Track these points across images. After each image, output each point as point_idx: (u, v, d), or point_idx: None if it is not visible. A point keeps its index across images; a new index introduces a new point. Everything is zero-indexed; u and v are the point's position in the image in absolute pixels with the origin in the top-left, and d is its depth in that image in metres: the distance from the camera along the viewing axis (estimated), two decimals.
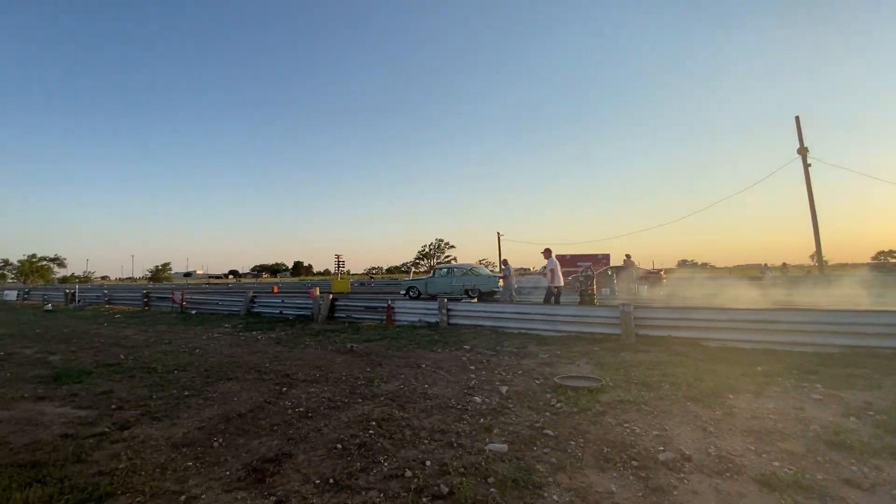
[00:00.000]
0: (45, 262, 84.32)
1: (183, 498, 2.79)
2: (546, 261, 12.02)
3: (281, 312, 13.91)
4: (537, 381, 5.33)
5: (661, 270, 24.34)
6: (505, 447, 3.38)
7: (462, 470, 3.03)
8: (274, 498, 2.76)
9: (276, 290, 29.86)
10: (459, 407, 4.44)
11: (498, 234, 49.71)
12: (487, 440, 3.57)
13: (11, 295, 29.86)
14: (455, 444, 3.50)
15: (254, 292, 16.58)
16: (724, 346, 6.74)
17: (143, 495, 2.84)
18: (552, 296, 11.53)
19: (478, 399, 4.67)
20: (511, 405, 4.45)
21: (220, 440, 3.76)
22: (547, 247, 12.17)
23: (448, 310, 10.08)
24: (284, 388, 5.34)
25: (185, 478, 3.08)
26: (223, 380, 5.85)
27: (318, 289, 15.95)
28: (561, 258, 28.64)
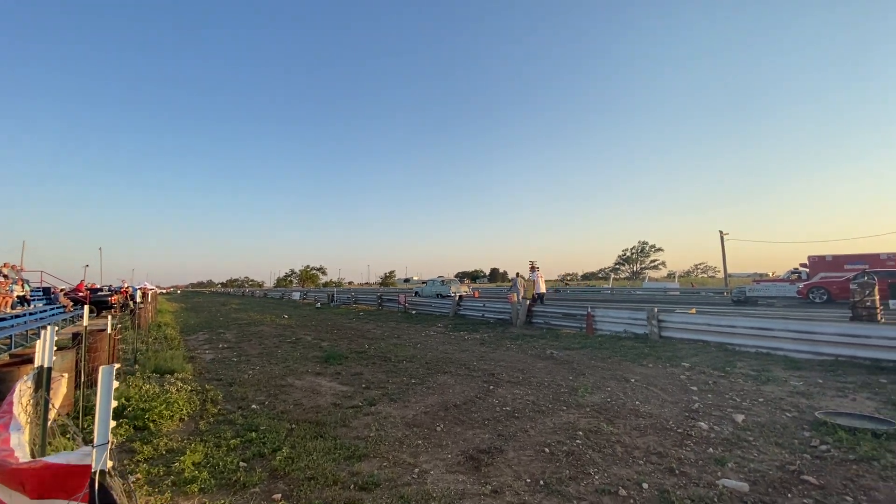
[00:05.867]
0: (314, 271, 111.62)
1: (416, 471, 3.28)
2: (531, 274, 15.07)
3: (483, 316, 14.92)
4: (788, 414, 4.28)
5: None
6: (745, 486, 2.84)
7: (688, 501, 2.68)
8: (490, 487, 2.98)
9: (477, 294, 32.18)
10: (680, 431, 3.93)
11: (720, 232, 42.03)
12: (720, 474, 3.06)
13: (296, 295, 40.73)
14: (677, 472, 3.12)
15: (459, 296, 18.28)
16: None
17: (387, 461, 3.46)
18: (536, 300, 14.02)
19: (704, 425, 4.05)
20: (750, 438, 3.70)
21: (442, 426, 4.27)
22: (531, 260, 15.50)
23: (659, 320, 9.04)
24: (491, 387, 5.71)
25: (416, 453, 3.62)
26: (440, 373, 6.63)
27: (515, 294, 16.49)
28: (818, 260, 22.41)
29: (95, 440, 0.96)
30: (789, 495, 2.75)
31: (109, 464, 0.98)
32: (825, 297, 17.86)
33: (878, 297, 9.20)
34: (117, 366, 0.99)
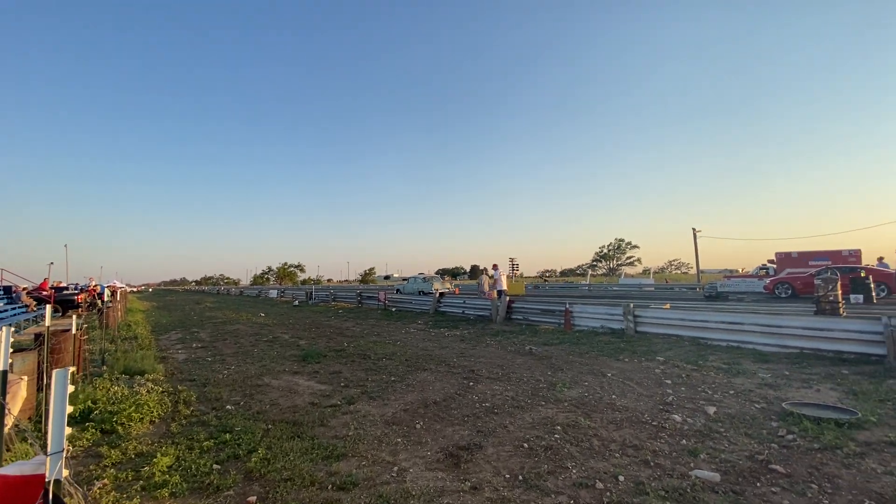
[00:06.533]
0: (292, 268, 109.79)
1: (395, 469, 3.25)
2: (493, 272, 16.76)
3: (463, 312, 14.95)
4: (756, 405, 4.43)
5: None
6: (717, 476, 2.92)
7: (662, 493, 2.74)
8: (469, 484, 2.98)
9: (457, 291, 32.24)
10: (655, 423, 4.02)
11: (693, 230, 43.18)
12: (692, 465, 3.14)
13: (273, 293, 40.01)
14: (651, 464, 3.19)
15: (439, 293, 18.32)
16: None
17: (366, 460, 3.42)
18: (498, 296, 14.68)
19: (677, 417, 4.15)
20: (721, 429, 3.81)
21: (421, 423, 4.25)
22: (495, 262, 17.49)
23: (635, 316, 9.23)
24: (471, 383, 5.72)
25: (396, 451, 3.59)
26: (420, 370, 6.61)
27: (496, 291, 16.65)
28: (785, 256, 23.27)
29: (49, 448, 0.90)
30: (758, 484, 2.84)
31: (65, 472, 0.93)
32: (790, 292, 18.58)
33: (840, 292, 9.62)
34: (72, 369, 0.93)
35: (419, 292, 27.62)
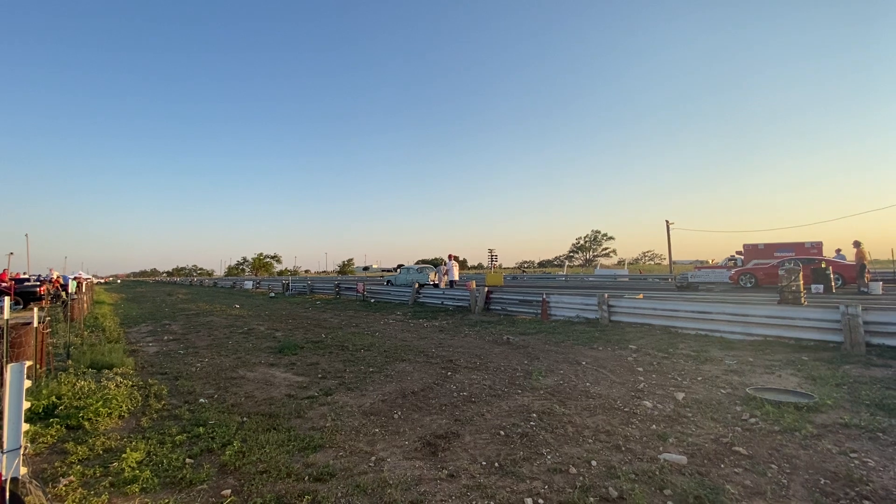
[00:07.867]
0: (268, 259, 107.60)
1: (373, 459, 3.26)
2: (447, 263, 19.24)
3: (442, 303, 15.00)
4: (723, 391, 4.62)
5: None
6: (684, 459, 3.03)
7: (633, 476, 2.83)
8: (446, 472, 3.01)
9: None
10: (626, 410, 4.14)
11: (667, 222, 44.32)
12: (661, 449, 3.25)
13: (248, 284, 39.23)
14: (623, 448, 3.29)
15: (419, 285, 18.31)
16: None
17: (344, 451, 3.41)
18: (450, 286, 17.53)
19: (648, 403, 4.28)
20: (689, 414, 3.96)
21: (399, 413, 4.27)
22: (450, 253, 19.63)
23: (609, 306, 9.44)
24: (449, 373, 5.77)
25: (373, 441, 3.60)
26: (398, 360, 6.61)
27: (474, 282, 16.79)
28: (752, 248, 24.19)
29: (5, 445, 0.86)
30: (722, 465, 2.97)
31: (23, 470, 0.89)
32: (753, 282, 19.32)
33: (802, 282, 10.06)
34: (28, 363, 0.89)
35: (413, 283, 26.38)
